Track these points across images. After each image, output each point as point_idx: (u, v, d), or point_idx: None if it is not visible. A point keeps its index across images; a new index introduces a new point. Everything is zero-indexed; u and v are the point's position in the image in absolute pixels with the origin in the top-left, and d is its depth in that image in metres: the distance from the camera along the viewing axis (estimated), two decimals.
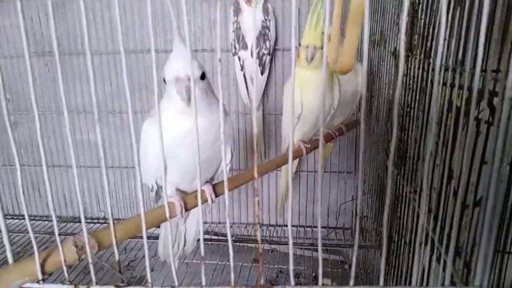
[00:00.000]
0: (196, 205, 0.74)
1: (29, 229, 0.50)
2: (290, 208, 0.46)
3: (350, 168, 1.72)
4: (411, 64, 0.86)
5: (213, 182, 0.80)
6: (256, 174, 0.45)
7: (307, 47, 0.97)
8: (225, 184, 0.46)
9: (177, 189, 0.75)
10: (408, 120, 0.85)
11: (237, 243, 1.72)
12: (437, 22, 0.76)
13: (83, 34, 0.40)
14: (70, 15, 1.72)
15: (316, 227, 1.79)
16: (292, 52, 0.43)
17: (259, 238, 0.49)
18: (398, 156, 1.01)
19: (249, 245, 1.77)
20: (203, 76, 0.66)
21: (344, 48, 0.52)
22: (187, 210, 0.72)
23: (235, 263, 1.68)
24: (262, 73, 1.53)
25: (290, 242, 0.47)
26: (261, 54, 1.51)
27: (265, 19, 1.48)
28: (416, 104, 0.83)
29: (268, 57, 1.52)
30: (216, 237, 1.80)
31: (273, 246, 1.80)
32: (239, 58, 1.53)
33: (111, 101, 1.81)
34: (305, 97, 0.94)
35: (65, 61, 1.76)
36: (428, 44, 0.76)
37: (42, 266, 0.50)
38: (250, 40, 1.50)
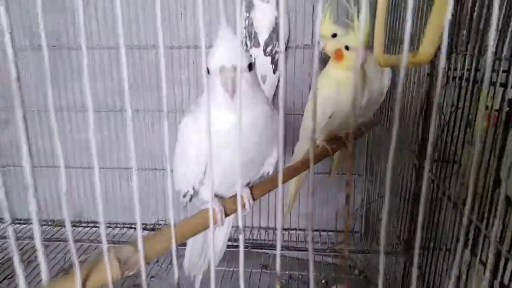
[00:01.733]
0: (235, 211, 0.67)
1: (70, 239, 0.42)
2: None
3: (360, 170, 1.68)
4: (454, 62, 0.82)
5: (250, 185, 0.73)
6: (349, 177, 0.39)
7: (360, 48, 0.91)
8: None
9: (215, 194, 0.68)
10: (452, 121, 0.80)
11: (245, 248, 1.65)
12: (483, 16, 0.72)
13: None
14: (69, 5, 1.63)
15: (324, 230, 1.74)
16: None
17: (346, 253, 0.43)
18: (433, 159, 0.97)
19: (258, 250, 1.70)
20: (250, 67, 0.60)
21: (426, 37, 0.47)
22: (226, 216, 0.65)
23: (244, 268, 1.61)
24: (274, 72, 1.48)
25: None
26: (273, 52, 1.45)
27: (278, 15, 1.43)
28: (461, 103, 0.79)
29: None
30: None
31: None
32: (251, 56, 1.47)
33: (112, 99, 1.72)
34: (341, 97, 0.90)
35: (63, 55, 1.66)
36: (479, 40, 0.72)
37: (84, 285, 0.43)
38: (262, 37, 1.45)
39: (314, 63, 0.35)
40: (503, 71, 0.68)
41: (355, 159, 1.65)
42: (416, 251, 0.40)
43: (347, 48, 0.89)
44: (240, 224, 0.36)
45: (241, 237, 0.38)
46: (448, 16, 0.43)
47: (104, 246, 0.42)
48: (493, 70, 0.71)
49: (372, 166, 1.60)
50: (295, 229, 1.76)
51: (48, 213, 1.87)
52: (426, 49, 0.47)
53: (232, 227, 1.83)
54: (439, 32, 0.46)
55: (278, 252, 0.38)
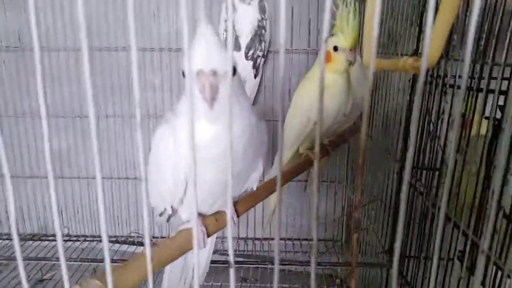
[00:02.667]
0: (217, 230, 0.61)
1: (20, 262, 0.35)
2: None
3: (341, 177, 1.64)
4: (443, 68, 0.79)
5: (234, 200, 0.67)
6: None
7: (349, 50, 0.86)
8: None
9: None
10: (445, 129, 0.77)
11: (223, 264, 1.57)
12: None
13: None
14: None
15: (305, 239, 1.69)
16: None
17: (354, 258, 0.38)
18: (420, 168, 0.94)
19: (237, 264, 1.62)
20: (233, 71, 0.54)
21: (433, 35, 0.42)
22: (208, 236, 0.58)
23: (222, 282, 1.51)
24: (255, 77, 1.42)
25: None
26: (255, 56, 1.39)
27: (262, 18, 1.37)
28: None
29: (263, 60, 1.41)
30: None
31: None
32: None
33: (78, 103, 1.61)
34: (327, 102, 0.85)
35: (26, 57, 1.54)
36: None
37: None
38: (244, 40, 1.39)
39: (321, 65, 0.29)
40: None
41: (335, 167, 1.61)
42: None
43: (335, 49, 0.84)
44: (231, 258, 0.30)
45: (231, 272, 0.32)
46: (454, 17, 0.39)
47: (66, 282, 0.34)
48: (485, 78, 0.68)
49: (353, 174, 1.57)
50: (273, 239, 1.70)
51: (9, 226, 1.73)
52: (434, 47, 0.43)
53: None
54: (445, 35, 0.42)
55: (276, 267, 0.32)
